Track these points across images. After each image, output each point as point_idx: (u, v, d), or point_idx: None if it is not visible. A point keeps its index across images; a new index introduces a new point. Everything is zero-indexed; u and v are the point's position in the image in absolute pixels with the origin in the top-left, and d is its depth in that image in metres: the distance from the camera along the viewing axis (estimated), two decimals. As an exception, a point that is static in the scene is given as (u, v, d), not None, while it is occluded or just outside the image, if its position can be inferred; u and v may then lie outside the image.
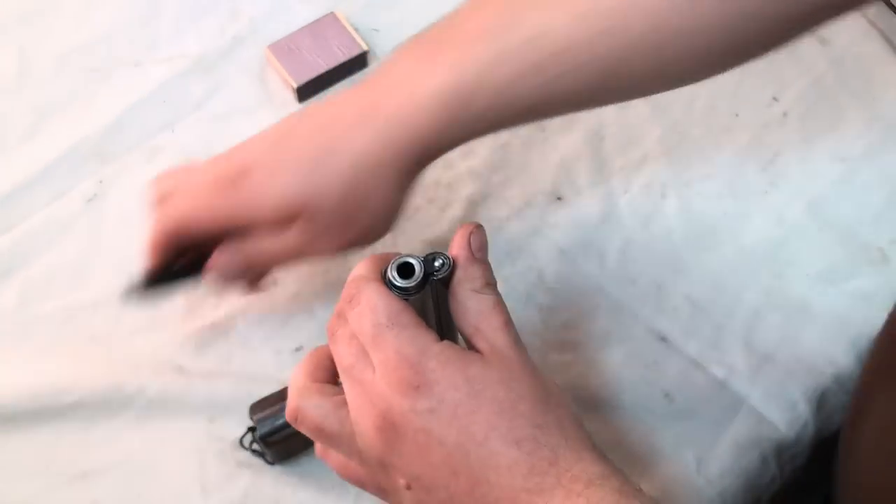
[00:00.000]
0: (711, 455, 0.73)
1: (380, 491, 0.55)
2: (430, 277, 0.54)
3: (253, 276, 0.72)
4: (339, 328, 0.54)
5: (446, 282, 0.55)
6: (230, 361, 0.77)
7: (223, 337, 0.78)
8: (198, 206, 0.67)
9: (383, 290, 0.53)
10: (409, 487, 0.52)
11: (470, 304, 0.54)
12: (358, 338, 0.53)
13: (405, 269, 0.53)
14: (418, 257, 0.53)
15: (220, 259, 0.68)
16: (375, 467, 0.53)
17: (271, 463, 0.72)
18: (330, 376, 0.57)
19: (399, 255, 0.54)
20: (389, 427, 0.51)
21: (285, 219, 0.64)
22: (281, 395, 0.70)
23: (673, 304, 0.80)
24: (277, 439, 0.69)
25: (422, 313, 0.55)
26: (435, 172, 0.85)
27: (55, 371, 0.76)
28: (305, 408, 0.55)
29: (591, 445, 0.51)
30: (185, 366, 0.76)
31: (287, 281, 0.81)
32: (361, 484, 0.56)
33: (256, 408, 0.70)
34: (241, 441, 0.72)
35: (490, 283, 0.54)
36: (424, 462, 0.50)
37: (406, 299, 0.53)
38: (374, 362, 0.52)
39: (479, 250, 0.54)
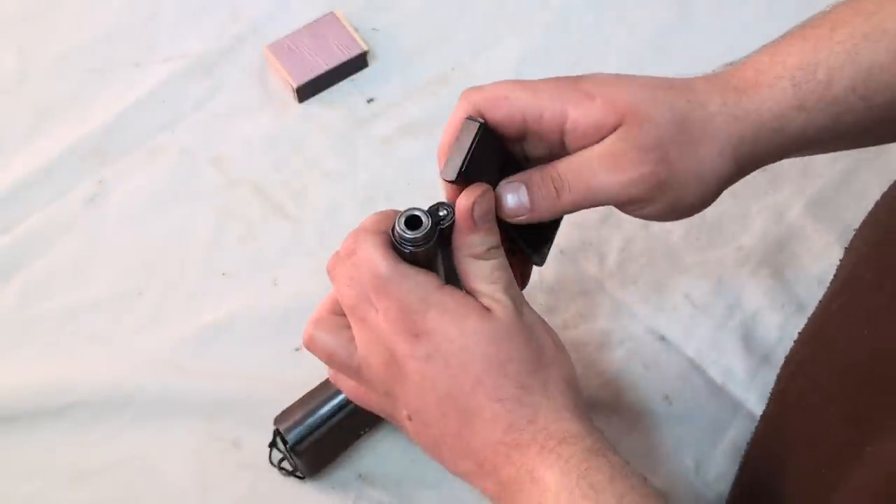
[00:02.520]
0: (710, 458, 0.73)
1: (387, 415, 0.59)
2: (437, 227, 0.55)
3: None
4: (337, 267, 0.56)
5: (449, 232, 0.56)
6: (230, 361, 0.77)
7: (223, 337, 0.78)
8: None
9: (380, 241, 0.54)
10: (409, 419, 0.56)
11: (470, 268, 0.56)
12: (358, 281, 0.55)
13: (413, 222, 0.54)
14: (423, 209, 0.55)
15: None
16: (382, 396, 0.57)
17: (302, 477, 0.72)
18: None
19: (391, 214, 0.55)
20: (394, 363, 0.54)
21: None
22: (302, 402, 0.70)
23: (672, 303, 0.80)
24: (307, 445, 0.69)
25: (430, 261, 0.56)
26: (434, 172, 0.85)
27: (55, 371, 0.76)
28: (318, 338, 0.58)
29: (574, 405, 0.54)
30: (185, 366, 0.77)
31: (287, 281, 0.81)
32: (370, 407, 0.59)
33: (281, 419, 0.70)
34: (269, 459, 0.72)
35: (491, 248, 0.56)
36: (421, 400, 0.54)
37: (415, 250, 0.54)
38: (376, 306, 0.54)
39: (482, 217, 0.55)
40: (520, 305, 0.56)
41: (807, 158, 0.86)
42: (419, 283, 0.54)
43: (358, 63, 0.90)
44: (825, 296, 0.65)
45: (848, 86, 0.57)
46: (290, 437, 0.68)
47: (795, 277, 0.80)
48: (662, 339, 0.78)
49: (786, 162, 0.85)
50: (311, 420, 0.69)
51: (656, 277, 0.81)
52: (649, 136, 0.56)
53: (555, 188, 0.57)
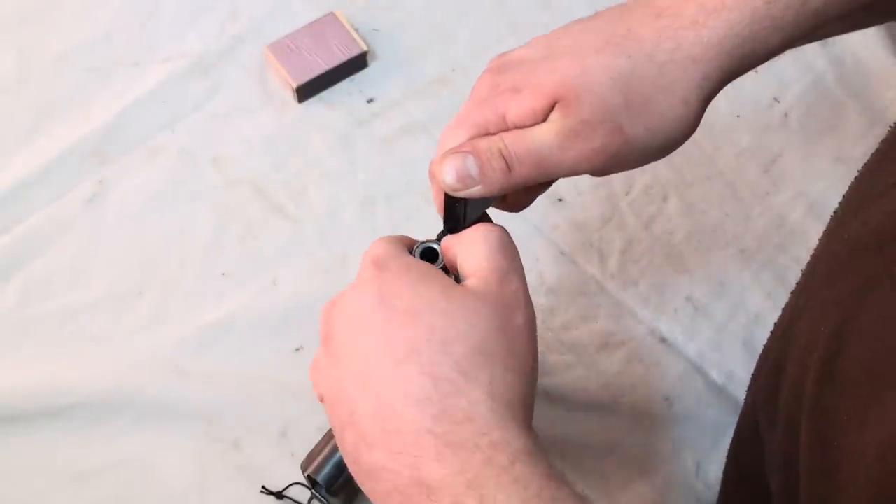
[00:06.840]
0: (710, 460, 0.73)
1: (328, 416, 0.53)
2: None
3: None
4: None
5: None
6: (230, 361, 0.77)
7: (223, 337, 0.78)
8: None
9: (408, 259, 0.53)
10: (322, 399, 0.51)
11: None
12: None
13: (428, 254, 0.55)
14: (436, 241, 0.55)
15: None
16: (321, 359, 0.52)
17: None
18: None
19: (413, 240, 0.56)
20: (334, 308, 0.52)
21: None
22: (324, 442, 0.69)
23: (674, 305, 0.80)
24: (341, 483, 0.68)
25: None
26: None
27: (55, 371, 0.76)
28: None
29: (521, 418, 0.48)
30: (185, 366, 0.76)
31: (287, 281, 0.81)
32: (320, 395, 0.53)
33: (308, 463, 0.69)
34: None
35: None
36: (343, 364, 0.49)
37: None
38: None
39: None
40: (504, 283, 0.51)
41: (808, 161, 0.86)
42: (400, 250, 0.53)
43: (358, 63, 0.90)
44: (793, 290, 0.64)
45: None
46: (321, 479, 0.68)
47: (797, 280, 0.80)
48: (663, 340, 0.78)
49: (787, 163, 0.86)
50: (337, 457, 0.68)
51: (658, 279, 0.81)
52: (592, 109, 0.52)
53: (506, 163, 0.53)
